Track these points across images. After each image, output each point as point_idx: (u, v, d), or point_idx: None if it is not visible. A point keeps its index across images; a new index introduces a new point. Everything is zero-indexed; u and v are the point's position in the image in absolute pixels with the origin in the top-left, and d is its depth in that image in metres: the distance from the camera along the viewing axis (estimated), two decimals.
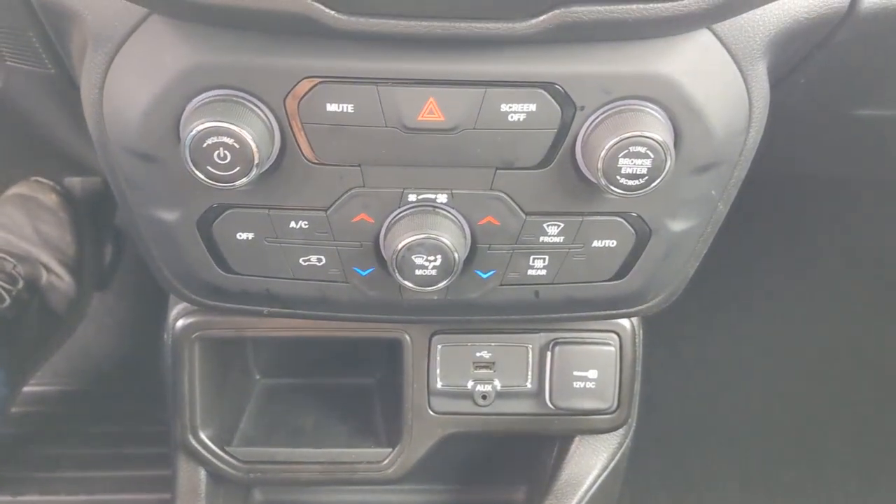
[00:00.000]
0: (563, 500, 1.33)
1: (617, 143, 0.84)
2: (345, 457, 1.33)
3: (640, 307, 1.11)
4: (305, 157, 0.90)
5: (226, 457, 1.31)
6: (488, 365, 1.26)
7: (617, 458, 1.36)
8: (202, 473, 1.34)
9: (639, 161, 0.84)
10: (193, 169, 0.84)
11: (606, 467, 1.36)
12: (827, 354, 2.19)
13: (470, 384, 1.27)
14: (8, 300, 1.54)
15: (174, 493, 1.35)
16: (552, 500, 1.34)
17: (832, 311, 2.21)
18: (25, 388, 1.64)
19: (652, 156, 0.84)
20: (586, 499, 1.33)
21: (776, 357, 2.19)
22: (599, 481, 1.35)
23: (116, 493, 1.84)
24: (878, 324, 2.20)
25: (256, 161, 0.84)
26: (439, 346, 1.25)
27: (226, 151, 0.83)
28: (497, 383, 1.27)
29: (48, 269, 1.67)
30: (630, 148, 0.84)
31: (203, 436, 1.30)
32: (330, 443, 1.36)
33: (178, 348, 1.25)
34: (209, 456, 1.31)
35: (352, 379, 1.52)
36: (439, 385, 1.27)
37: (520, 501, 1.50)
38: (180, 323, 1.25)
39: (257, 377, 1.52)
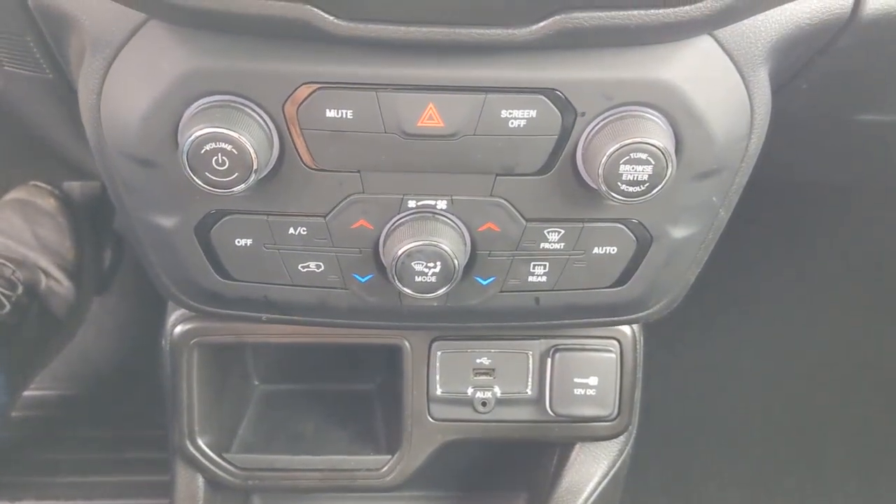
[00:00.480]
0: None
1: (618, 150, 0.83)
2: (344, 464, 1.32)
3: (640, 314, 1.10)
4: (304, 163, 0.90)
5: (224, 463, 1.31)
6: (488, 371, 1.26)
7: (617, 465, 1.36)
8: (200, 480, 1.33)
9: (640, 167, 0.84)
10: (191, 175, 0.83)
11: (607, 475, 1.35)
12: (828, 360, 2.19)
13: (470, 391, 1.26)
14: (7, 306, 1.54)
15: (172, 499, 1.35)
16: None
17: (833, 317, 2.21)
18: (25, 393, 1.64)
19: (653, 162, 0.83)
20: None
21: (777, 363, 2.18)
22: (600, 489, 1.34)
23: (115, 498, 1.83)
24: (878, 329, 2.20)
25: (255, 167, 0.83)
26: (439, 353, 1.25)
27: (224, 157, 0.82)
28: (497, 390, 1.26)
29: (47, 274, 1.67)
30: (631, 154, 0.83)
31: (201, 442, 1.29)
32: (329, 449, 1.35)
33: (177, 354, 1.25)
34: (207, 463, 1.30)
35: (351, 385, 1.51)
36: (439, 392, 1.26)
37: None
38: (178, 329, 1.24)
39: (256, 383, 1.51)
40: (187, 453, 1.30)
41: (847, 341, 2.20)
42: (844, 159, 1.46)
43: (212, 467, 1.30)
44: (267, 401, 1.48)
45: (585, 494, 1.33)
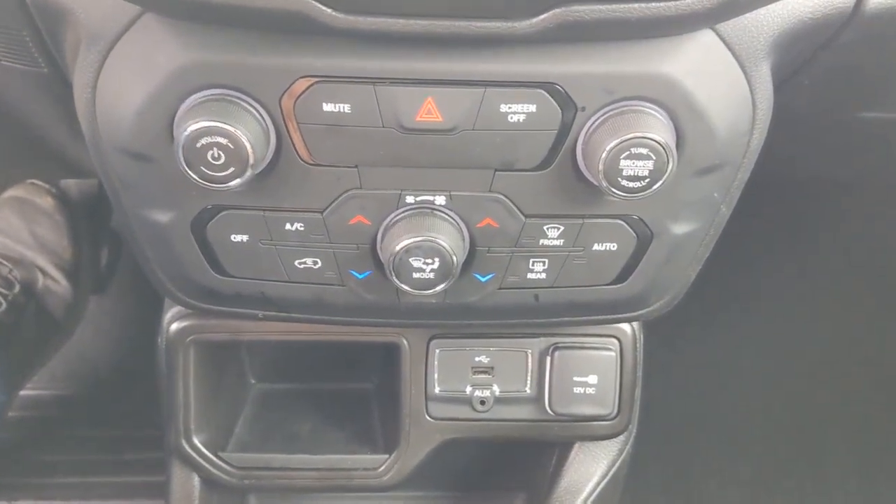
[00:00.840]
0: None
1: (618, 145, 0.82)
2: (341, 463, 1.31)
3: (641, 311, 1.09)
4: (301, 158, 0.89)
5: (220, 463, 1.30)
6: (487, 370, 1.25)
7: (617, 465, 1.34)
8: (196, 479, 1.32)
9: (640, 163, 0.83)
10: (187, 169, 0.83)
11: (606, 474, 1.34)
12: (829, 358, 2.18)
13: (468, 389, 1.25)
14: (4, 305, 1.54)
15: (168, 499, 1.33)
16: None
17: (834, 314, 2.21)
18: (22, 392, 1.63)
19: (654, 157, 0.83)
20: None
21: (778, 361, 2.17)
22: (599, 489, 1.33)
23: (113, 498, 1.82)
24: (879, 327, 2.19)
25: (251, 162, 0.83)
26: (437, 351, 1.23)
27: (220, 152, 0.82)
28: (496, 388, 1.25)
29: (44, 273, 1.66)
30: (631, 149, 0.82)
31: (197, 441, 1.28)
32: (326, 449, 1.34)
33: (173, 352, 1.24)
34: (203, 462, 1.29)
35: (349, 384, 1.50)
36: (437, 390, 1.25)
37: None
38: (174, 326, 1.23)
39: (253, 382, 1.50)
40: (183, 452, 1.29)
41: (848, 339, 2.19)
42: (847, 156, 1.45)
43: (207, 466, 1.29)
44: (264, 400, 1.47)
45: (585, 494, 1.32)
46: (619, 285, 1.02)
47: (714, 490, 2.01)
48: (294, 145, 0.88)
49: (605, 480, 1.34)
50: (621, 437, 1.33)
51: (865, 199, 2.03)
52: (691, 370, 2.12)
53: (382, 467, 1.30)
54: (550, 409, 1.25)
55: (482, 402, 1.25)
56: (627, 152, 0.83)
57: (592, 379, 1.24)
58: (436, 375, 1.25)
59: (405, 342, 1.23)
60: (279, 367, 1.50)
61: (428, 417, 1.26)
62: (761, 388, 2.14)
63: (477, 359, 1.24)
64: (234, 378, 1.45)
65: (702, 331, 2.14)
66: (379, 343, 1.25)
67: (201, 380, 1.27)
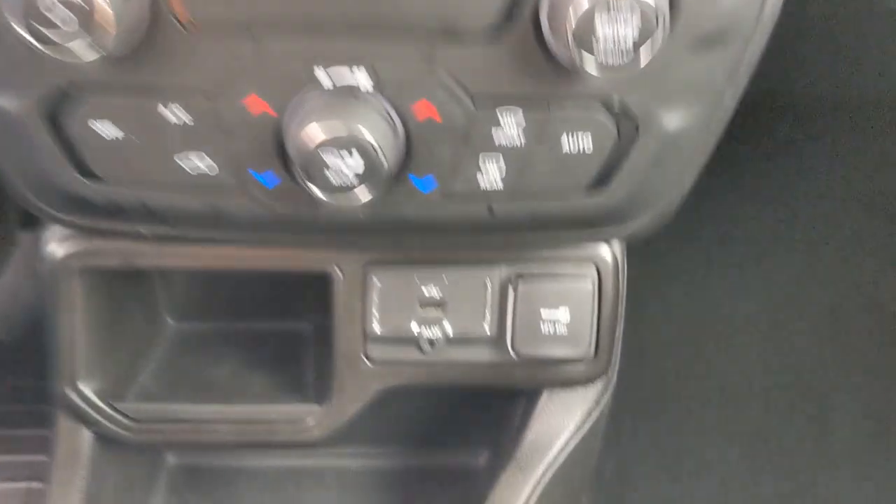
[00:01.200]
0: (528, 466, 1.13)
1: (594, 2, 0.65)
2: (262, 415, 1.12)
3: (622, 226, 0.92)
4: (179, 22, 0.71)
5: (113, 414, 1.10)
6: (437, 304, 1.05)
7: (594, 416, 1.15)
8: (85, 434, 1.13)
9: (622, 26, 0.66)
10: (23, 32, 0.65)
11: (581, 427, 1.15)
12: (834, 302, 2.07)
13: (414, 327, 1.05)
14: None
15: (52, 457, 1.15)
16: (515, 467, 1.13)
17: (839, 255, 2.09)
18: None
19: (640, 20, 0.66)
20: (557, 464, 1.13)
21: (776, 303, 2.06)
22: (572, 444, 1.14)
23: (41, 453, 1.66)
24: (884, 267, 2.08)
25: (110, 25, 0.66)
26: (376, 281, 1.04)
27: (67, 11, 0.64)
28: (448, 327, 1.05)
29: None
30: (611, 8, 0.65)
31: (85, 388, 1.09)
32: (247, 399, 1.15)
33: (55, 281, 1.04)
34: (92, 412, 1.10)
35: (285, 324, 1.30)
36: (377, 328, 1.06)
37: (480, 468, 1.30)
38: (54, 249, 1.02)
39: (170, 321, 1.30)
40: (68, 401, 1.09)
41: (854, 282, 2.08)
42: (866, 66, 1.29)
43: (98, 418, 1.10)
44: (181, 342, 1.28)
45: (555, 450, 1.13)
46: (595, 194, 0.85)
47: (708, 446, 1.89)
48: (170, 4, 0.70)
49: (580, 434, 1.15)
50: (598, 385, 1.14)
51: (872, 127, 1.90)
52: (683, 310, 2.01)
53: (311, 419, 1.11)
54: (513, 350, 1.06)
55: (431, 343, 1.05)
56: (606, 12, 0.66)
57: (564, 314, 1.04)
58: (375, 311, 1.05)
59: (337, 270, 1.03)
60: (202, 304, 1.30)
61: (366, 361, 1.07)
62: (759, 336, 2.04)
63: (425, 290, 1.04)
64: (143, 315, 1.25)
65: (696, 266, 2.01)
66: (305, 272, 1.05)
67: (92, 315, 1.07)
